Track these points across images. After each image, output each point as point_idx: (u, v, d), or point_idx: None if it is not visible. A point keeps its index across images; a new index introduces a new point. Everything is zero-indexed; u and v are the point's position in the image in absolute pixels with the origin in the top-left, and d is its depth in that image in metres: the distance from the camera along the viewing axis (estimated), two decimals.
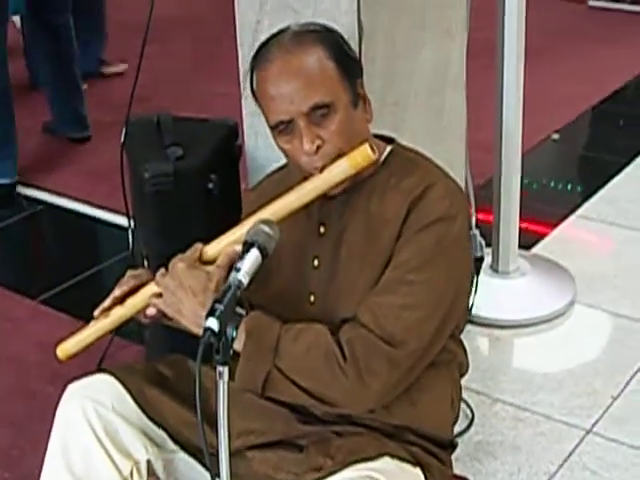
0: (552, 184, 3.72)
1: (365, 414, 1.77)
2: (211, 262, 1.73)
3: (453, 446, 1.93)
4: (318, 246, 1.82)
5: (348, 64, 1.74)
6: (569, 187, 3.71)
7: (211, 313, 1.49)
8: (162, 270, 1.77)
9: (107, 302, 1.82)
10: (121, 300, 1.81)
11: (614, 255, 3.18)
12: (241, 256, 1.59)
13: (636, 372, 2.62)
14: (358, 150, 1.71)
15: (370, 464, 1.70)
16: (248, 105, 2.44)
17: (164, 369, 1.95)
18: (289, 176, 1.89)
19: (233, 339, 1.54)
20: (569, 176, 3.83)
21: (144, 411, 1.85)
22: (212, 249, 1.75)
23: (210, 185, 2.36)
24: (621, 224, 3.36)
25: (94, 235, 3.68)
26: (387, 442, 1.79)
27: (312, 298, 1.81)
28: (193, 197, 2.35)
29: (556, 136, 4.08)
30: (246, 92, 2.43)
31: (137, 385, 1.87)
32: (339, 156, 1.71)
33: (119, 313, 1.81)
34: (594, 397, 2.54)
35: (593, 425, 2.44)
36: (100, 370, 1.92)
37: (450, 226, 1.71)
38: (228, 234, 1.76)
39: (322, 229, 1.82)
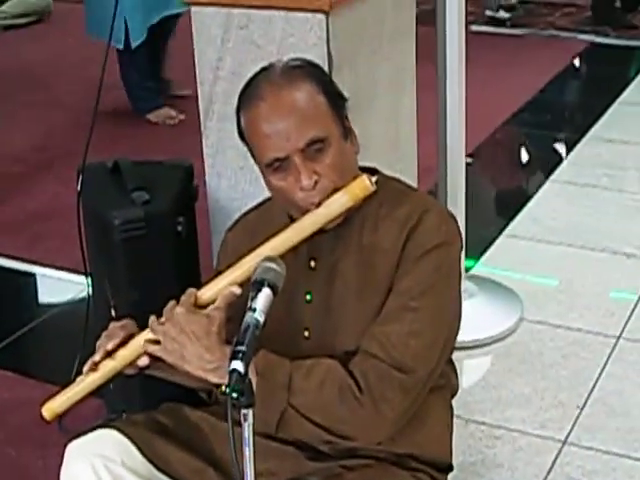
0: (475, 206, 3.85)
1: (373, 445, 1.80)
2: (206, 306, 1.74)
3: (451, 469, 1.98)
4: (310, 280, 1.84)
5: (336, 98, 1.79)
6: (493, 207, 3.85)
7: (234, 356, 1.49)
8: (153, 317, 1.77)
9: (97, 356, 1.79)
10: (110, 353, 1.78)
11: (551, 271, 3.31)
12: (253, 296, 1.59)
13: (596, 381, 2.74)
14: (356, 182, 1.75)
15: None
16: (209, 145, 2.45)
17: (162, 418, 1.93)
18: (267, 214, 1.93)
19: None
20: (490, 196, 3.98)
21: (152, 463, 1.83)
22: (207, 293, 1.75)
23: (179, 228, 2.35)
24: (550, 240, 3.51)
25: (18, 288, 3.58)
26: (396, 471, 1.83)
27: (307, 333, 1.83)
28: (163, 241, 2.34)
29: (469, 160, 4.22)
30: (207, 131, 2.44)
31: (142, 437, 1.84)
32: (335, 190, 1.74)
33: (110, 366, 1.79)
34: (562, 409, 2.64)
35: (567, 436, 2.53)
36: (100, 426, 1.89)
37: (448, 252, 1.77)
38: (221, 277, 1.77)
39: (313, 263, 1.84)
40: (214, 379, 1.69)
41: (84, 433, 1.86)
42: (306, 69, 1.80)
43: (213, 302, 1.73)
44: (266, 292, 1.60)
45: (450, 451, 1.96)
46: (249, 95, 1.76)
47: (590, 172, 4.01)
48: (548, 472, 2.42)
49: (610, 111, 4.61)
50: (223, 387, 1.64)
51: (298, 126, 1.70)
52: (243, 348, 1.51)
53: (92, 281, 2.58)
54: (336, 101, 1.77)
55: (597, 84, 5.13)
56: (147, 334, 1.76)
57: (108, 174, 2.50)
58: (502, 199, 4.05)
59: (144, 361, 1.77)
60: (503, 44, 5.82)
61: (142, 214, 2.29)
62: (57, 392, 1.84)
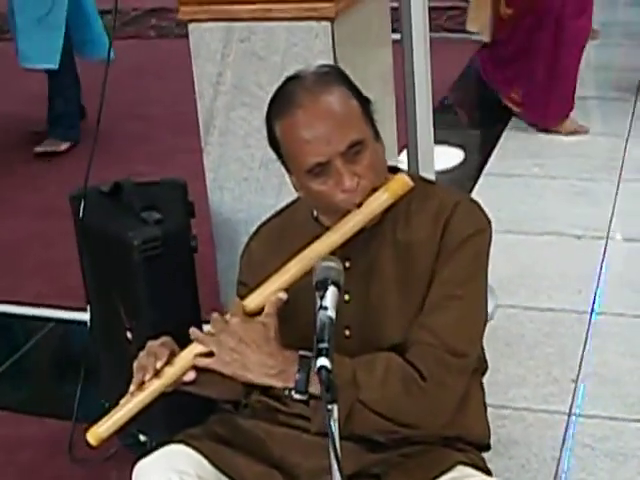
0: None
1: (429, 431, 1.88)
2: (254, 314, 1.79)
3: (489, 448, 2.10)
4: (346, 281, 1.87)
5: (364, 101, 1.87)
6: None
7: (319, 353, 1.56)
8: (197, 331, 1.80)
9: (147, 375, 1.80)
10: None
11: (509, 259, 3.49)
12: (322, 295, 1.65)
13: (582, 355, 2.92)
14: (395, 180, 1.84)
15: (450, 475, 1.84)
16: (211, 160, 2.51)
17: (219, 429, 1.97)
18: (291, 220, 1.99)
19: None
20: None
21: (222, 472, 1.87)
22: (253, 302, 1.81)
23: (193, 243, 2.40)
24: (500, 230, 3.68)
25: None
26: (449, 452, 1.93)
27: (348, 332, 1.90)
28: (181, 258, 2.38)
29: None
30: (208, 147, 2.49)
31: (209, 448, 1.88)
32: (373, 189, 1.82)
33: (156, 384, 1.80)
34: (558, 384, 2.81)
35: (570, 408, 2.70)
36: (165, 442, 1.92)
37: (484, 238, 1.88)
38: (266, 285, 1.82)
39: (347, 264, 1.88)
40: (279, 383, 1.74)
41: (147, 453, 1.88)
42: (336, 75, 1.87)
43: (260, 310, 1.79)
44: (332, 290, 1.67)
45: (489, 430, 2.07)
46: (284, 103, 1.81)
47: (519, 163, 4.24)
48: (563, 442, 2.57)
49: None
50: (289, 390, 1.72)
51: (338, 130, 1.77)
52: (325, 345, 1.58)
53: (91, 309, 2.59)
54: (365, 104, 1.86)
55: None
56: (195, 348, 1.80)
57: (105, 197, 2.52)
58: None
59: (190, 376, 1.80)
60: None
61: (159, 233, 2.32)
62: (99, 417, 1.83)
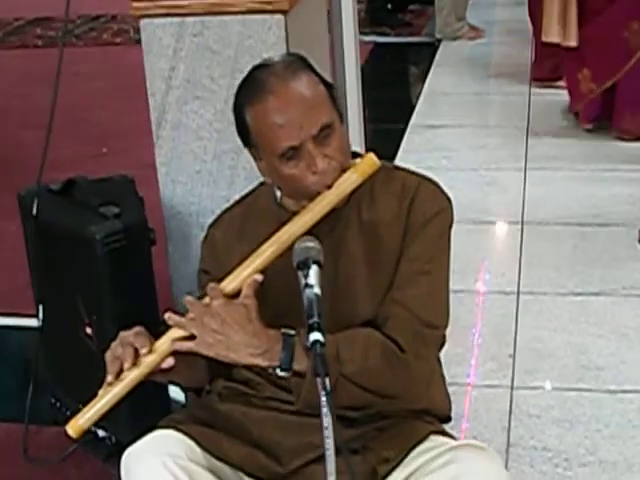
0: None
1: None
2: (233, 297, 1.84)
3: (449, 420, 2.21)
4: None
5: (329, 86, 1.96)
6: None
7: (310, 328, 1.66)
8: (174, 316, 1.83)
9: (126, 364, 1.81)
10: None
11: None
12: (306, 274, 1.74)
13: (515, 333, 3.09)
14: (365, 160, 1.93)
15: (426, 444, 1.95)
16: (163, 154, 2.55)
17: (200, 413, 2.02)
18: (254, 207, 2.06)
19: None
20: None
21: (211, 453, 1.92)
22: (230, 284, 1.86)
23: (151, 236, 2.44)
24: None
25: None
26: (419, 424, 2.03)
27: None
28: (141, 251, 2.42)
29: None
30: (160, 141, 2.53)
31: (196, 431, 1.93)
32: (342, 170, 1.90)
33: (135, 373, 1.82)
34: (496, 360, 2.96)
35: (512, 382, 2.86)
36: (152, 428, 1.95)
37: (447, 215, 1.99)
38: (240, 269, 1.87)
39: None
40: (264, 362, 1.79)
41: (133, 441, 1.91)
42: (301, 62, 1.95)
43: (237, 293, 1.84)
44: (315, 269, 1.75)
45: (450, 402, 2.18)
46: (254, 90, 1.88)
47: (427, 156, 4.41)
48: (510, 414, 2.72)
49: (420, 101, 5.05)
50: (274, 369, 1.77)
51: (309, 114, 1.84)
52: (316, 319, 1.67)
53: (43, 308, 2.60)
54: (329, 89, 1.95)
55: (397, 79, 5.58)
56: (173, 334, 1.83)
57: (55, 195, 2.53)
58: None
59: (169, 362, 1.83)
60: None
61: (120, 226, 2.36)
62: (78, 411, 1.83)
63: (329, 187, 1.88)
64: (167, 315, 1.84)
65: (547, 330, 3.08)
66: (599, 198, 3.89)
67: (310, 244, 1.78)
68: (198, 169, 2.53)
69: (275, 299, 1.91)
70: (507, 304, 3.24)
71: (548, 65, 4.94)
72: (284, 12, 2.35)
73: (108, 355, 1.83)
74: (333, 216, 1.93)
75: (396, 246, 1.93)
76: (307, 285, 1.72)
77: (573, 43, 4.36)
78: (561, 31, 4.42)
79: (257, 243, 1.90)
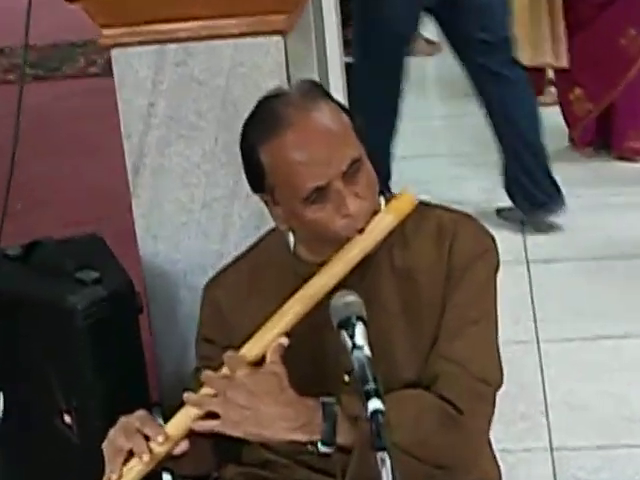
0: None
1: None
2: (256, 364, 1.85)
3: None
4: None
5: (350, 114, 1.97)
6: None
7: (369, 395, 1.66)
8: (191, 394, 1.84)
9: (144, 456, 1.78)
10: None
11: None
12: (351, 335, 1.76)
13: (544, 386, 3.17)
14: (400, 198, 1.95)
15: None
16: (141, 205, 2.56)
17: None
18: (262, 260, 2.07)
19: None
20: None
21: None
22: (251, 351, 1.87)
23: (139, 303, 2.46)
24: None
25: None
26: None
27: (347, 377, 1.95)
28: (127, 322, 2.43)
29: None
30: (137, 190, 2.55)
31: None
32: (374, 212, 1.92)
33: (145, 462, 1.79)
34: (529, 420, 3.03)
35: (550, 442, 2.93)
36: None
37: (492, 256, 2.02)
38: (262, 332, 1.89)
39: None
40: (304, 437, 1.79)
41: None
42: (319, 89, 1.98)
43: (260, 360, 1.85)
44: (361, 327, 1.77)
45: (500, 473, 2.19)
46: (269, 124, 1.88)
47: None
48: (554, 479, 2.79)
49: None
50: (315, 444, 1.78)
51: (337, 148, 1.86)
52: (373, 385, 1.68)
53: (4, 395, 2.59)
54: (352, 118, 1.96)
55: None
56: (188, 414, 1.83)
57: (13, 262, 2.53)
58: None
59: (182, 447, 1.83)
60: None
61: (104, 293, 2.36)
62: None
63: (361, 231, 1.89)
64: (185, 395, 1.83)
65: (578, 381, 3.17)
66: (609, 227, 4.02)
67: (350, 298, 1.80)
68: (184, 220, 2.54)
69: (298, 364, 1.89)
70: (527, 355, 3.31)
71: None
72: (283, 33, 2.39)
73: (108, 448, 1.81)
74: (361, 263, 1.93)
75: (437, 294, 1.95)
76: (355, 346, 1.74)
77: (565, 64, 4.51)
78: (548, 50, 4.56)
79: (273, 300, 1.92)
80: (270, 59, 2.42)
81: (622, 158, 4.53)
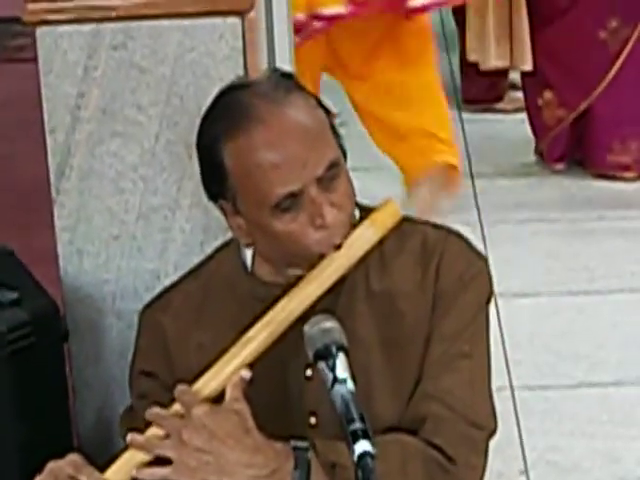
0: None
1: None
2: (214, 401, 1.90)
3: None
4: (305, 351, 1.96)
5: (327, 111, 2.03)
6: None
7: (356, 436, 1.73)
8: (137, 435, 1.89)
9: None
10: None
11: None
12: (331, 366, 1.83)
13: (521, 440, 3.28)
14: (383, 209, 2.01)
15: None
16: (65, 215, 2.57)
17: None
18: (215, 278, 2.12)
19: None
20: None
21: None
22: (209, 385, 1.92)
23: (64, 327, 2.52)
24: None
25: None
26: None
27: (313, 420, 2.04)
28: (51, 350, 2.48)
29: None
30: (61, 197, 2.58)
31: None
32: (352, 226, 1.98)
33: None
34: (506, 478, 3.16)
35: None
36: None
37: (485, 280, 2.10)
38: (221, 363, 1.94)
39: (307, 327, 1.96)
40: None
41: None
42: (291, 80, 2.03)
43: (220, 396, 1.90)
44: (342, 357, 1.83)
45: None
46: (236, 119, 1.93)
47: None
48: None
49: None
50: None
51: (313, 149, 1.91)
52: (360, 425, 1.74)
53: None
54: (329, 115, 2.02)
55: None
56: (133, 459, 1.89)
57: None
58: None
59: None
60: None
61: (27, 316, 2.41)
62: None
63: (338, 247, 1.94)
64: (130, 436, 1.88)
65: (562, 435, 3.26)
66: (588, 257, 4.15)
67: (329, 324, 1.86)
68: (116, 234, 2.54)
69: (256, 402, 1.93)
70: (501, 404, 3.41)
71: (482, 81, 5.19)
72: (241, 14, 2.44)
73: None
74: (334, 286, 1.98)
75: (422, 322, 2.02)
76: (336, 380, 1.80)
77: (527, 67, 4.64)
78: (501, 52, 4.69)
79: (226, 328, 1.98)
80: (224, 44, 2.46)
81: (600, 176, 4.63)
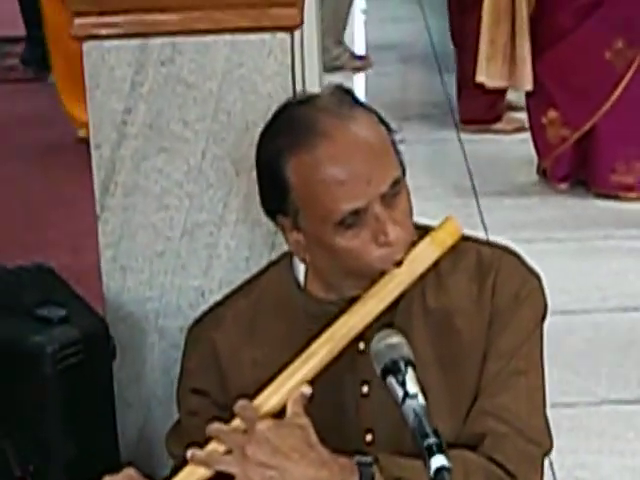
0: None
1: None
2: (275, 417, 1.91)
3: None
4: (362, 367, 2.03)
5: (388, 127, 2.04)
6: None
7: (432, 451, 1.74)
8: (197, 451, 1.89)
9: None
10: None
11: None
12: (401, 381, 1.84)
13: (550, 458, 3.26)
14: (443, 227, 2.03)
15: None
16: (109, 232, 2.57)
17: None
18: (267, 294, 2.13)
19: None
20: None
21: None
22: (270, 401, 1.93)
23: (115, 344, 2.51)
24: None
25: None
26: None
27: (370, 437, 2.05)
28: (100, 369, 2.47)
29: None
30: (105, 213, 2.58)
31: None
32: (413, 243, 1.99)
33: None
34: None
35: None
36: None
37: (540, 298, 2.11)
38: (281, 379, 1.95)
39: (362, 345, 2.03)
40: None
41: None
42: (351, 96, 2.04)
43: (280, 411, 1.91)
44: (410, 372, 1.85)
45: None
46: (300, 133, 1.94)
47: None
48: None
49: None
50: None
51: (378, 166, 1.92)
52: (435, 440, 1.75)
53: None
54: (390, 131, 2.03)
55: None
56: (197, 474, 1.89)
57: None
58: None
59: None
60: None
61: (78, 334, 2.40)
62: None
63: (399, 264, 1.96)
64: (190, 452, 1.88)
65: (590, 453, 3.27)
66: (599, 276, 4.16)
67: (395, 339, 1.88)
68: (160, 250, 2.54)
69: (314, 419, 1.94)
70: None
71: (481, 102, 5.21)
72: (290, 30, 2.45)
73: None
74: (391, 303, 2.00)
75: (478, 339, 2.04)
76: (407, 395, 1.81)
77: (528, 87, 4.64)
78: (504, 71, 4.69)
79: (279, 345, 2.00)
80: (273, 60, 2.46)
81: (603, 195, 4.66)
